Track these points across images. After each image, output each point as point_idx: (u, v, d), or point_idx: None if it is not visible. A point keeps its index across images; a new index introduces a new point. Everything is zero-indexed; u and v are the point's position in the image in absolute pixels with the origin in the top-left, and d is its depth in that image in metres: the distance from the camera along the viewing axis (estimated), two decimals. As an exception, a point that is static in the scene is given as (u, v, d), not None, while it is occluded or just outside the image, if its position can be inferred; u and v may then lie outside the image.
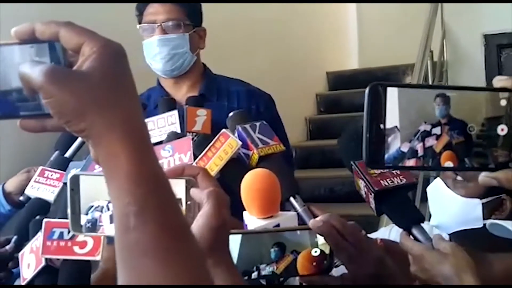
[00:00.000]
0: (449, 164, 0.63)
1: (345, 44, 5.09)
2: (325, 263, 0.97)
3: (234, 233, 0.93)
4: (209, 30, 1.85)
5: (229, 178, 1.12)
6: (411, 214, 0.97)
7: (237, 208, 1.05)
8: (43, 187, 1.41)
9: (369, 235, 1.30)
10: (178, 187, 0.71)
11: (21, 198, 1.50)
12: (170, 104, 1.58)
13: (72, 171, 1.25)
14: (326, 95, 4.69)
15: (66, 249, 1.01)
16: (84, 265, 1.03)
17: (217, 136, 1.16)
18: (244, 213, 1.05)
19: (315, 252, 0.97)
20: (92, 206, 0.74)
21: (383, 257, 0.98)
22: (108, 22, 2.10)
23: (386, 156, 0.61)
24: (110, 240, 0.95)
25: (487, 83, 2.83)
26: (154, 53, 1.73)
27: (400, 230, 0.96)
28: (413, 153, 0.62)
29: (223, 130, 1.18)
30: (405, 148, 0.62)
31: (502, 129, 0.66)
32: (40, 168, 1.45)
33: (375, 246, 1.02)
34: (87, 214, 0.74)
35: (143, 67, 1.72)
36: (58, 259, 1.04)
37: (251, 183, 1.02)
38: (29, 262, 1.06)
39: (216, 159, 1.14)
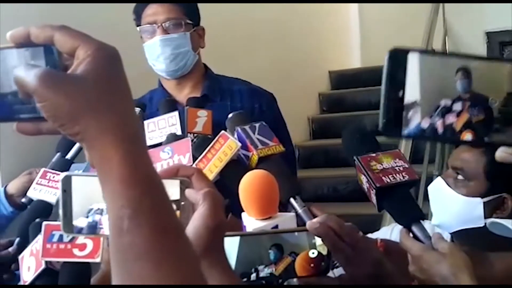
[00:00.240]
0: (468, 139, 0.61)
1: (347, 43, 5.08)
2: (323, 264, 0.97)
3: (232, 235, 0.93)
4: (210, 30, 1.83)
5: (229, 179, 1.12)
6: (412, 211, 0.97)
7: (238, 209, 1.05)
8: (45, 189, 1.42)
9: (370, 235, 1.30)
10: (172, 187, 0.71)
11: (23, 200, 1.51)
12: (171, 105, 1.58)
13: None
14: (328, 94, 4.67)
15: (66, 251, 1.01)
16: (84, 267, 1.03)
17: (217, 137, 1.16)
18: (243, 214, 1.05)
19: (313, 253, 0.97)
20: (91, 209, 0.74)
21: (380, 257, 0.98)
22: (108, 22, 2.10)
23: (406, 131, 0.60)
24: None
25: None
26: (157, 54, 1.70)
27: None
28: (432, 130, 0.60)
29: (223, 131, 1.17)
30: (425, 124, 0.59)
31: None
32: (42, 170, 1.46)
33: (372, 246, 1.02)
34: (87, 217, 0.74)
35: (143, 68, 1.72)
36: (58, 262, 1.04)
37: (249, 184, 1.02)
38: (29, 265, 1.06)
39: (215, 160, 1.14)
